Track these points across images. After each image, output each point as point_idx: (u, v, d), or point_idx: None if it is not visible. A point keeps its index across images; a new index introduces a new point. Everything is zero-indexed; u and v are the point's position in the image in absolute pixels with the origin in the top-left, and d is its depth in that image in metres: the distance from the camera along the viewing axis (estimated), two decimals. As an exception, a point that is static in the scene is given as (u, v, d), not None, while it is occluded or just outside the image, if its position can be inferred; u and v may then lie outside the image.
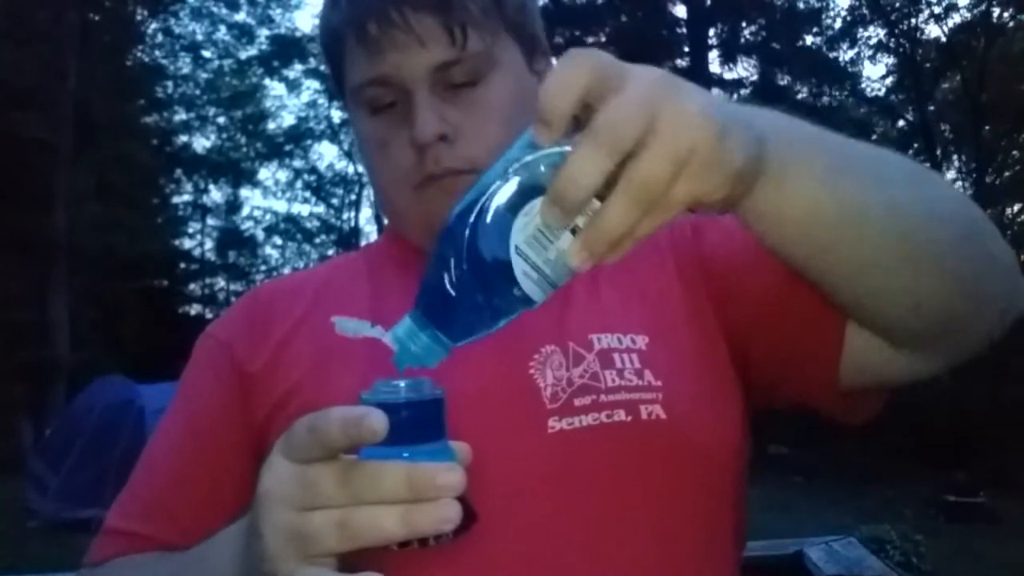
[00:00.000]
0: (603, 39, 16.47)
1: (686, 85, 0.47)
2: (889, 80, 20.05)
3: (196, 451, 0.74)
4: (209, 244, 27.00)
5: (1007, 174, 19.42)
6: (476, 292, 0.46)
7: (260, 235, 27.63)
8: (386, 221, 0.84)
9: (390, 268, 0.78)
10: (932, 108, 19.25)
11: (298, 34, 25.52)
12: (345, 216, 27.46)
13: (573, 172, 0.43)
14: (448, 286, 0.46)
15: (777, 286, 0.67)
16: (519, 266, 0.45)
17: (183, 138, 25.84)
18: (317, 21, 0.84)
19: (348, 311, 0.68)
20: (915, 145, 19.78)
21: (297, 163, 27.57)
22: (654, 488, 0.65)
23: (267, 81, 26.61)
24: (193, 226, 26.72)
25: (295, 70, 25.97)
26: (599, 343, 0.69)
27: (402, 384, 0.47)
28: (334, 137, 26.64)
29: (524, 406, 0.66)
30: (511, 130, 0.70)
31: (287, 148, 27.11)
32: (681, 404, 0.67)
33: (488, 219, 0.45)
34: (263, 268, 26.85)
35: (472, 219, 0.45)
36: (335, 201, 27.79)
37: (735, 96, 18.53)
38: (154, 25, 22.98)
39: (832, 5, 18.86)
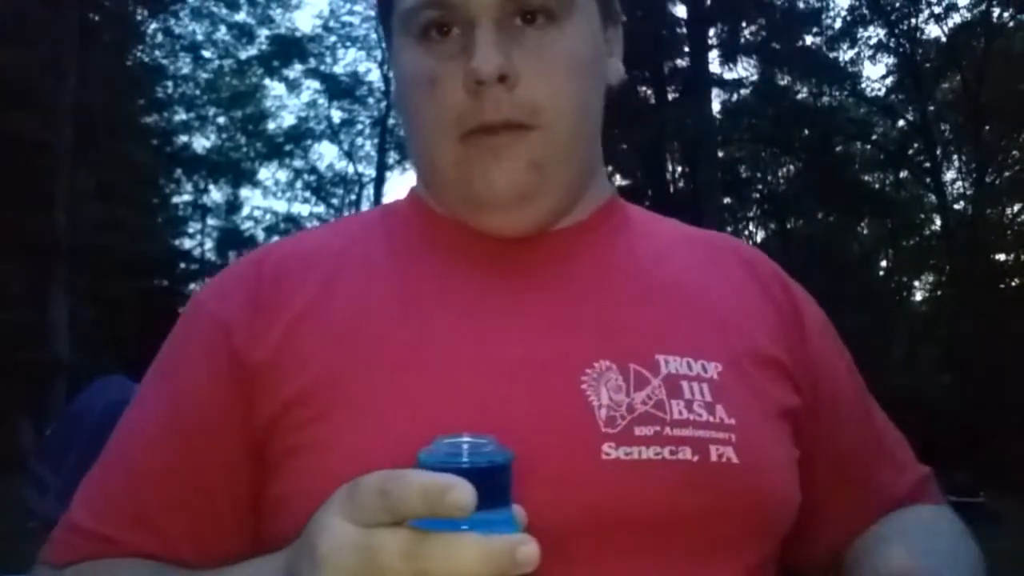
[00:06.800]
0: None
1: None
2: (889, 80, 20.05)
3: (185, 449, 0.61)
4: (209, 244, 27.08)
5: (1007, 174, 19.44)
6: None
7: (260, 235, 27.64)
8: (414, 181, 0.72)
9: (414, 240, 0.68)
10: (932, 108, 19.24)
11: (298, 34, 25.59)
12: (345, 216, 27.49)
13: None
14: None
15: (852, 460, 0.72)
16: None
17: (183, 138, 25.90)
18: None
19: (368, 292, 0.63)
20: (915, 145, 19.81)
21: (297, 163, 27.65)
22: (718, 540, 0.58)
23: (267, 81, 26.67)
24: (193, 226, 26.81)
25: (295, 70, 26.04)
26: (666, 366, 0.61)
27: (466, 445, 0.43)
28: (334, 137, 26.68)
29: (574, 426, 0.57)
30: (577, 89, 0.63)
31: (287, 148, 27.14)
32: (754, 447, 0.60)
33: None
34: (263, 268, 26.82)
35: None
36: (335, 201, 27.82)
37: (735, 96, 18.57)
38: (154, 25, 23.02)
39: (832, 5, 18.89)
